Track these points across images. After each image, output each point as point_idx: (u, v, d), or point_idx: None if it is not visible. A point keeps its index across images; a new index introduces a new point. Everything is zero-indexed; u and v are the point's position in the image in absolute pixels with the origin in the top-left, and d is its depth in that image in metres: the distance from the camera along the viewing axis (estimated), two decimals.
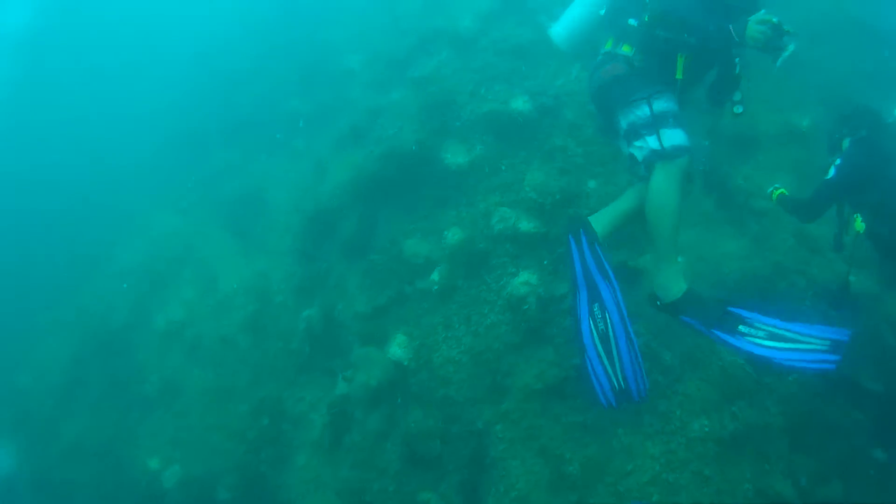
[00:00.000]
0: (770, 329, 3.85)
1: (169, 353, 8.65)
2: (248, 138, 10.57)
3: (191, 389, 8.04)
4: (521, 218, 6.34)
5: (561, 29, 5.03)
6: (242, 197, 9.71)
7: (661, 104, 4.17)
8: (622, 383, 3.86)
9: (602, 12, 4.66)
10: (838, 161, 4.50)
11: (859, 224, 4.35)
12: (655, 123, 4.10)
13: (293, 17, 11.73)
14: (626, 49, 4.45)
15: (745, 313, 3.92)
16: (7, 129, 14.13)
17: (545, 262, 6.12)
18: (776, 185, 5.07)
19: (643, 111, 4.19)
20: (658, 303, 4.24)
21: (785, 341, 3.80)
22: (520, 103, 7.17)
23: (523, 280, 5.92)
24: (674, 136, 4.05)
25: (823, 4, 7.89)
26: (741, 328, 3.86)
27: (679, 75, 4.19)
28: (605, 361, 3.95)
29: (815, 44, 7.53)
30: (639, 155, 4.19)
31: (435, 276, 6.50)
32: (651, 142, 4.10)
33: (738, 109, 4.30)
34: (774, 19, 3.73)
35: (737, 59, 4.15)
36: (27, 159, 13.00)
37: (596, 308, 4.06)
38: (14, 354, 10.06)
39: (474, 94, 7.58)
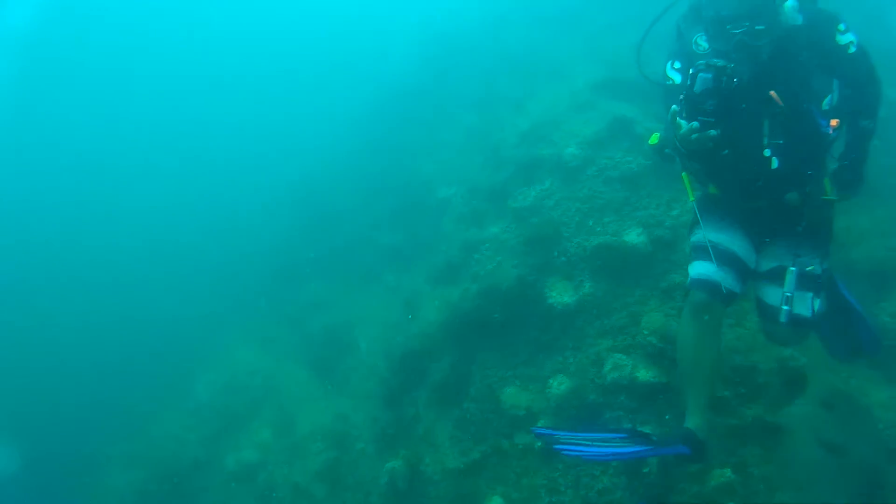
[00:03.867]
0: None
1: (238, 498, 8.13)
2: (338, 272, 10.38)
3: None
4: (639, 366, 5.59)
5: None
6: (329, 334, 9.41)
7: (692, 238, 4.00)
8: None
9: None
10: None
11: None
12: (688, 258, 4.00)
13: (385, 150, 11.72)
14: None
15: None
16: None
17: (667, 417, 5.28)
18: None
19: None
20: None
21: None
22: (633, 236, 6.57)
23: None
24: (691, 269, 3.86)
25: None
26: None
27: (691, 198, 3.93)
28: None
29: None
30: None
31: None
32: None
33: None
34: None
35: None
36: (123, 293, 13.05)
37: None
38: (79, 485, 9.64)
39: (581, 226, 7.04)
